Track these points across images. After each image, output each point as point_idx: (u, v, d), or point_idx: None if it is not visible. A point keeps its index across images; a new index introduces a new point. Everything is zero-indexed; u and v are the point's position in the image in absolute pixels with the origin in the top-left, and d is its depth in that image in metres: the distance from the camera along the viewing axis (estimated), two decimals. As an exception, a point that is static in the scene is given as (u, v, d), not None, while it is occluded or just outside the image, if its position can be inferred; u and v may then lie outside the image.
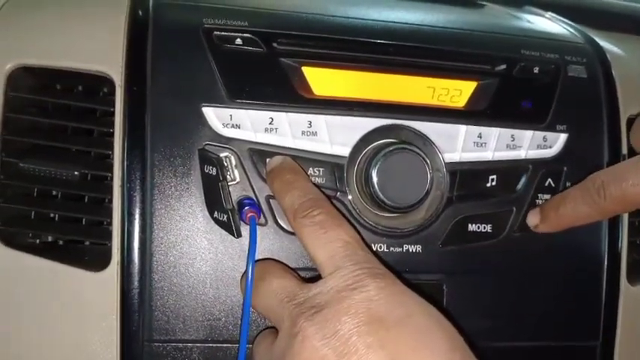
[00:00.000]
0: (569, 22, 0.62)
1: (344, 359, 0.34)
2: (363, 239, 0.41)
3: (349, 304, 0.35)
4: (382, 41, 0.50)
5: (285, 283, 0.39)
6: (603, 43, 0.58)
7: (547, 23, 0.62)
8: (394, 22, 0.53)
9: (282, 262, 0.45)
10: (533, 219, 0.50)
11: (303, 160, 0.47)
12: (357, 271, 0.37)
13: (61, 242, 0.48)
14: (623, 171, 0.45)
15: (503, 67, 0.52)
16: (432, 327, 0.36)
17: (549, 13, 0.67)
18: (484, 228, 0.50)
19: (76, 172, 0.47)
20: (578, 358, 0.53)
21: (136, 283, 0.45)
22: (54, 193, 0.48)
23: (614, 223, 0.53)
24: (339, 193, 0.47)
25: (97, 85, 0.49)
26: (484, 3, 0.72)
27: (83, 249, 0.48)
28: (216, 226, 0.45)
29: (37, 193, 0.48)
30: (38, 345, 0.45)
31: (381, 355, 0.33)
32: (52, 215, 0.48)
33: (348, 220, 0.46)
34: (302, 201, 0.42)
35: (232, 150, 0.46)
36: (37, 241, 0.48)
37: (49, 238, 0.48)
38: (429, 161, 0.46)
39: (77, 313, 0.45)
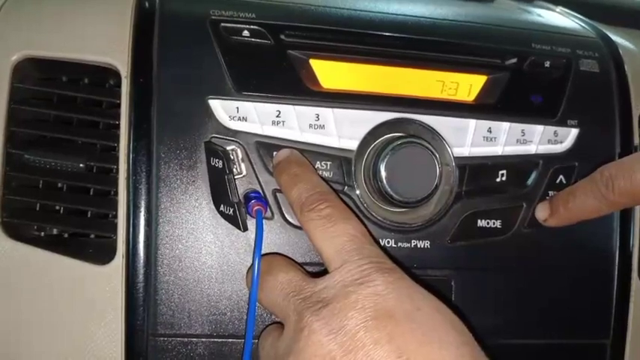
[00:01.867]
0: (581, 17, 0.62)
1: (350, 355, 0.33)
2: (370, 234, 0.40)
3: (356, 299, 0.35)
4: (391, 34, 0.50)
5: (292, 277, 0.39)
6: (615, 38, 0.57)
7: (558, 17, 0.62)
8: (403, 14, 0.52)
9: (288, 257, 0.44)
10: (542, 213, 0.49)
11: (310, 153, 0.46)
12: (365, 266, 0.36)
13: (66, 235, 0.48)
14: (631, 163, 0.45)
15: (514, 60, 0.51)
16: (441, 322, 0.35)
17: (560, 7, 0.66)
18: (493, 224, 0.49)
19: (81, 165, 0.47)
20: (588, 355, 0.52)
21: (141, 277, 0.44)
22: (59, 185, 0.48)
23: (625, 219, 0.52)
24: (346, 188, 0.47)
25: (103, 76, 0.48)
26: (495, -3, 0.71)
27: (88, 242, 0.48)
28: (223, 220, 0.45)
29: (42, 185, 0.47)
30: (43, 338, 0.45)
31: (388, 349, 0.33)
32: (57, 208, 0.47)
33: (356, 215, 0.46)
34: (309, 194, 0.41)
35: (239, 143, 0.45)
36: (42, 233, 0.48)
37: (55, 231, 0.48)
38: (437, 155, 0.45)
39: (82, 307, 0.45)
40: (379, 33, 0.50)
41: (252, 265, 0.41)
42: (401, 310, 0.34)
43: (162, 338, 0.45)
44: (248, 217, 0.44)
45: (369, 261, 0.37)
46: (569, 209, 0.48)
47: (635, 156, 0.46)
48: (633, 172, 0.44)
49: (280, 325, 0.40)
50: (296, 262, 0.44)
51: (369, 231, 0.41)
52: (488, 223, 0.49)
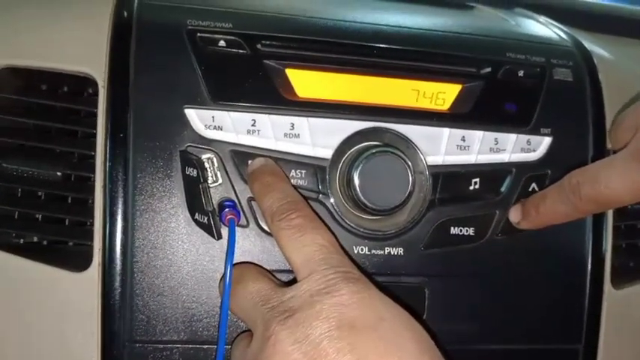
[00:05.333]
0: (558, 25, 0.62)
1: (314, 363, 0.34)
2: (340, 243, 0.41)
3: (321, 309, 0.35)
4: (367, 44, 0.50)
5: (261, 286, 0.40)
6: (591, 47, 0.58)
7: (535, 26, 0.62)
8: (379, 24, 0.53)
9: (259, 266, 0.45)
10: (514, 215, 0.50)
11: (285, 162, 0.47)
12: (331, 275, 0.37)
13: (45, 242, 0.49)
14: (596, 172, 0.45)
15: (488, 70, 0.52)
16: (402, 331, 0.36)
17: (540, 15, 0.67)
18: (467, 231, 0.50)
19: (58, 173, 0.47)
20: (560, 361, 0.53)
21: (117, 284, 0.45)
22: (38, 193, 0.48)
23: (598, 226, 0.53)
24: (321, 196, 0.47)
25: (81, 85, 0.49)
26: (473, 5, 0.71)
27: (66, 249, 0.48)
28: (197, 228, 0.45)
29: (20, 193, 0.48)
30: (19, 345, 0.45)
31: (350, 359, 0.33)
32: (35, 216, 0.48)
33: (330, 223, 0.46)
34: (280, 204, 0.42)
35: (214, 152, 0.46)
36: (21, 241, 0.48)
37: (34, 239, 0.48)
38: (410, 164, 0.46)
39: (58, 314, 0.45)
40: (355, 42, 0.50)
41: (224, 274, 0.41)
42: (364, 320, 0.35)
43: (138, 344, 0.45)
44: (222, 225, 0.45)
45: (336, 271, 0.37)
46: (540, 213, 0.48)
47: (601, 164, 0.46)
48: (598, 180, 0.44)
49: (251, 333, 0.40)
50: (270, 270, 0.45)
51: (338, 241, 0.41)
52: (461, 231, 0.50)
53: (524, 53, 0.53)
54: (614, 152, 0.48)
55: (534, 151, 0.51)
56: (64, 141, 0.48)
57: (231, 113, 0.46)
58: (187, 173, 0.45)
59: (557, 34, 0.59)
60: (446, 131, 0.50)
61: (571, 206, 0.46)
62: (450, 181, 0.50)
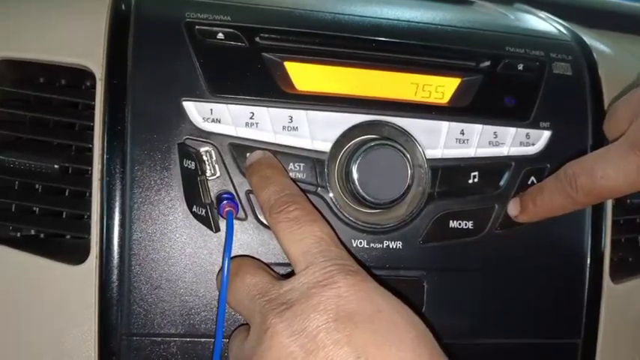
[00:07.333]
0: (558, 20, 0.62)
1: (311, 356, 0.34)
2: (338, 236, 0.41)
3: (319, 301, 0.35)
4: (366, 37, 0.50)
5: (258, 279, 0.40)
6: (591, 42, 0.58)
7: (535, 21, 0.62)
8: (378, 17, 0.52)
9: (257, 259, 0.45)
10: (513, 209, 0.50)
11: (283, 155, 0.47)
12: (329, 268, 0.37)
13: (42, 235, 0.49)
14: (592, 163, 0.45)
15: (487, 63, 0.51)
16: (400, 323, 0.36)
17: (539, 10, 0.66)
18: (465, 225, 0.50)
19: (56, 166, 0.47)
20: (559, 355, 0.53)
21: (114, 277, 0.45)
22: (35, 186, 0.48)
23: (597, 221, 0.53)
24: (319, 189, 0.47)
25: (79, 78, 0.49)
26: (473, 0, 0.71)
27: (64, 242, 0.48)
28: (195, 221, 0.45)
29: (18, 186, 0.48)
30: (16, 338, 0.45)
31: (348, 351, 0.33)
32: (32, 208, 0.48)
33: (329, 216, 0.46)
34: (278, 197, 0.42)
35: (213, 144, 0.46)
36: (19, 234, 0.48)
37: (31, 232, 0.48)
38: (409, 157, 0.46)
39: (56, 307, 0.45)
40: (354, 36, 0.50)
41: (222, 266, 0.41)
42: (361, 312, 0.35)
43: (135, 338, 0.45)
44: (220, 218, 0.45)
45: (334, 263, 0.37)
46: (538, 206, 0.48)
47: (596, 155, 0.46)
48: (593, 171, 0.44)
49: (249, 326, 0.40)
50: (268, 263, 0.45)
51: (335, 233, 0.41)
52: (460, 224, 0.50)
53: (523, 47, 0.53)
54: (612, 142, 0.48)
55: (533, 144, 0.51)
56: (61, 134, 0.48)
57: (230, 106, 0.46)
58: (185, 166, 0.45)
59: (557, 29, 0.59)
60: (445, 125, 0.50)
61: (568, 198, 0.46)
62: (448, 174, 0.49)
